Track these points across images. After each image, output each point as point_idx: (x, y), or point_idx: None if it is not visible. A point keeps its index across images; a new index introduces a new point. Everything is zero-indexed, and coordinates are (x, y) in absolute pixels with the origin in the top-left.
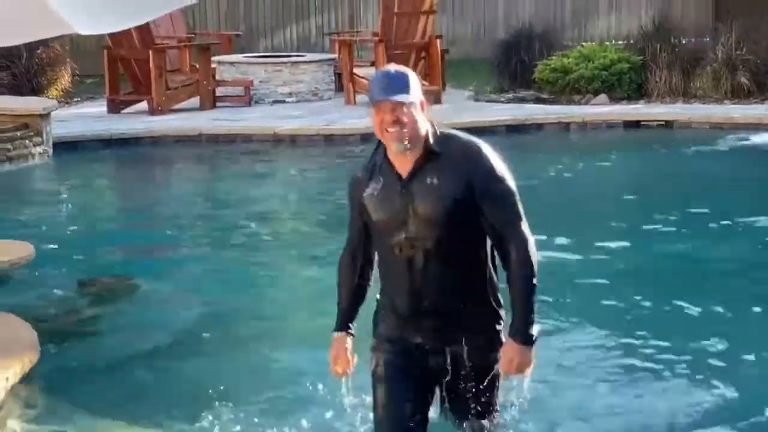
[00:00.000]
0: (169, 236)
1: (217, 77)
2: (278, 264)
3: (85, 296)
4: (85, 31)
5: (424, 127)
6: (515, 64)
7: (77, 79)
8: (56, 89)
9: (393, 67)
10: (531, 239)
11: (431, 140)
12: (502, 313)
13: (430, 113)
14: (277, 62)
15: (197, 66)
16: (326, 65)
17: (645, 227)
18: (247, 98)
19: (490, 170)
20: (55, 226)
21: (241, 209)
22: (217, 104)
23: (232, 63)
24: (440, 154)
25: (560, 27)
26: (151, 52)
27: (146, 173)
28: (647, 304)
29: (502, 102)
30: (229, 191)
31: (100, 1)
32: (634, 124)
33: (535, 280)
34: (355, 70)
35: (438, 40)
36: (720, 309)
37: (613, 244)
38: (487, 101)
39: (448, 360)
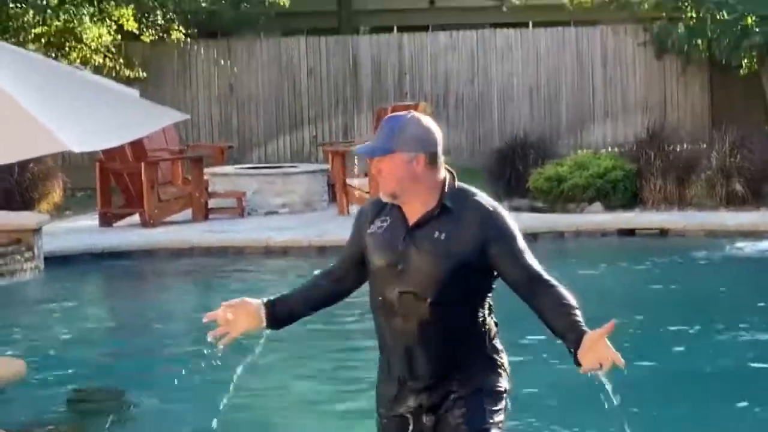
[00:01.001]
0: (162, 351)
1: (210, 189)
2: (274, 380)
3: (78, 413)
4: (78, 149)
5: (430, 181)
6: (510, 173)
7: (68, 192)
8: (47, 203)
9: (393, 115)
10: (561, 286)
11: (446, 193)
12: (502, 358)
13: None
14: (269, 173)
15: (190, 178)
16: (319, 175)
17: (636, 338)
18: (240, 209)
19: (505, 231)
20: (47, 341)
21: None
22: (210, 216)
23: (224, 174)
24: (451, 210)
25: (555, 135)
26: (143, 164)
27: (138, 287)
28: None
29: None
30: (219, 304)
31: (93, 119)
32: (629, 233)
33: (575, 304)
34: (348, 181)
35: None
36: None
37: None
38: None
39: (442, 411)
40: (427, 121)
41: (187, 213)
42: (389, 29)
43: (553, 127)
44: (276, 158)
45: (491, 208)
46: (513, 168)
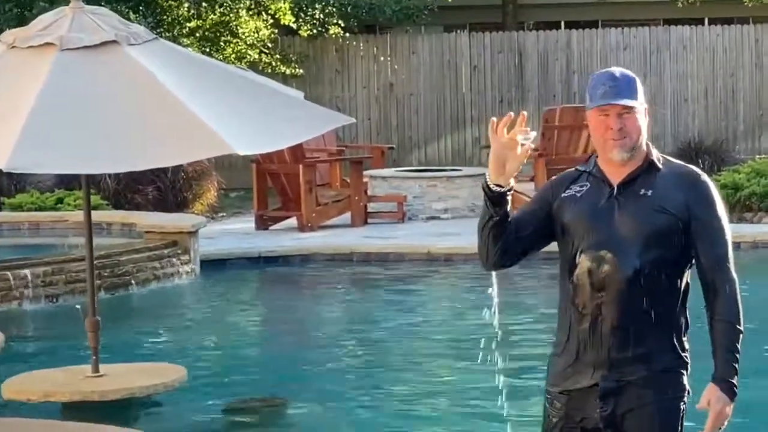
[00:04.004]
0: (320, 358)
1: (369, 192)
2: (434, 390)
3: (236, 422)
4: (243, 152)
5: (645, 135)
6: None
7: (222, 192)
8: (201, 204)
9: (618, 69)
10: (738, 287)
11: (653, 153)
12: (687, 357)
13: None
14: (431, 177)
15: (348, 181)
16: (483, 179)
17: None
18: (401, 214)
19: (711, 202)
20: (205, 347)
21: (394, 331)
22: (369, 220)
23: (384, 177)
24: (659, 168)
25: (732, 139)
26: (301, 166)
27: (296, 293)
28: None
29: None
30: (380, 313)
31: (258, 121)
32: None
33: (740, 326)
34: (514, 186)
35: None
36: None
37: None
38: None
39: (610, 407)
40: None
41: (346, 217)
42: (556, 24)
43: (729, 131)
44: (436, 160)
45: (700, 173)
46: None
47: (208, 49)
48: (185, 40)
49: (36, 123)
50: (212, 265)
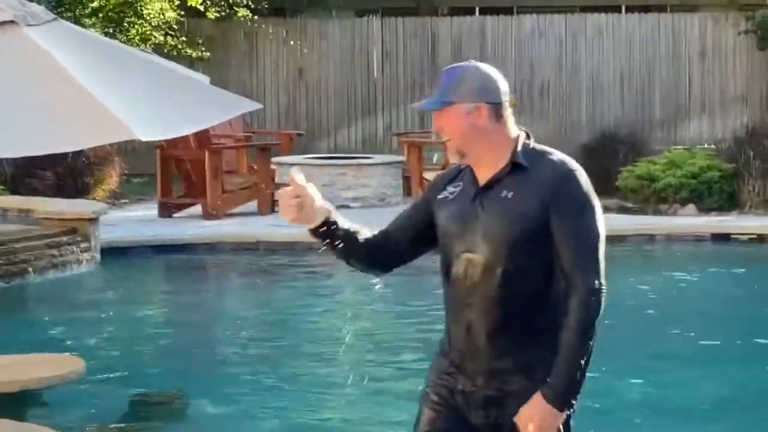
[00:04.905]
0: (222, 350)
1: (277, 180)
2: (337, 384)
3: (134, 415)
4: (145, 138)
5: (491, 136)
6: (598, 169)
7: (125, 178)
8: (103, 190)
9: (452, 66)
10: (596, 295)
11: (519, 151)
12: None
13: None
14: (341, 164)
15: (255, 167)
16: (394, 168)
17: (729, 350)
18: None
19: (571, 199)
20: (104, 337)
21: (298, 324)
22: (276, 209)
23: (292, 165)
24: (526, 168)
25: (648, 129)
26: (207, 152)
27: (199, 283)
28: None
29: None
30: (285, 304)
31: (162, 106)
32: (724, 238)
33: (586, 338)
34: (426, 175)
35: None
36: None
37: (689, 371)
38: None
39: (493, 415)
40: (489, 68)
41: (252, 205)
42: (470, 11)
43: (645, 121)
44: (347, 147)
45: (567, 170)
46: (601, 164)
47: (111, 30)
48: (87, 20)
49: None
50: (113, 253)
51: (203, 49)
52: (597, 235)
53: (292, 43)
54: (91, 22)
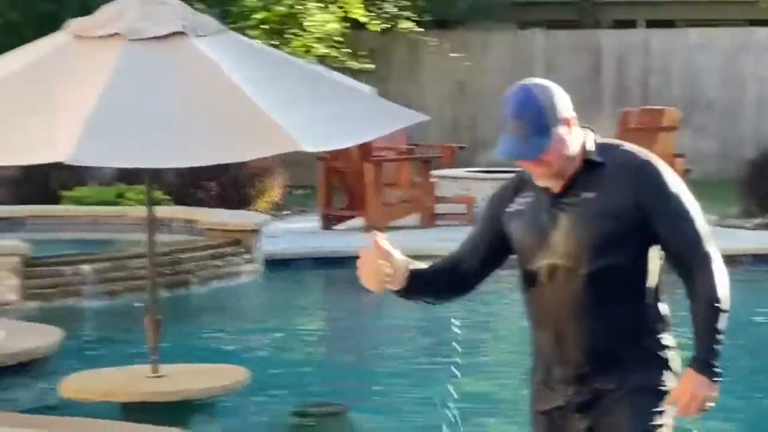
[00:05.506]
0: (382, 364)
1: (437, 193)
2: (506, 400)
3: (296, 427)
4: (310, 149)
5: (577, 142)
6: (765, 186)
7: (287, 190)
8: (265, 201)
9: (521, 94)
10: (719, 262)
11: (591, 149)
12: (668, 354)
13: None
14: (502, 178)
15: (417, 180)
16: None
17: None
18: (470, 216)
19: (662, 185)
20: (266, 348)
21: (463, 337)
22: (437, 222)
23: (453, 178)
24: (598, 165)
25: None
26: (366, 165)
27: (362, 296)
28: None
29: (748, 228)
30: (448, 318)
31: (327, 117)
32: None
33: (721, 306)
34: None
35: (679, 159)
36: None
37: None
38: (731, 227)
39: (589, 419)
40: (539, 81)
41: (413, 218)
42: (632, 23)
43: None
44: (506, 161)
45: (644, 158)
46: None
47: (275, 42)
48: (252, 32)
49: (100, 115)
50: (276, 264)
51: (366, 61)
52: (699, 211)
53: (454, 55)
54: (255, 34)
